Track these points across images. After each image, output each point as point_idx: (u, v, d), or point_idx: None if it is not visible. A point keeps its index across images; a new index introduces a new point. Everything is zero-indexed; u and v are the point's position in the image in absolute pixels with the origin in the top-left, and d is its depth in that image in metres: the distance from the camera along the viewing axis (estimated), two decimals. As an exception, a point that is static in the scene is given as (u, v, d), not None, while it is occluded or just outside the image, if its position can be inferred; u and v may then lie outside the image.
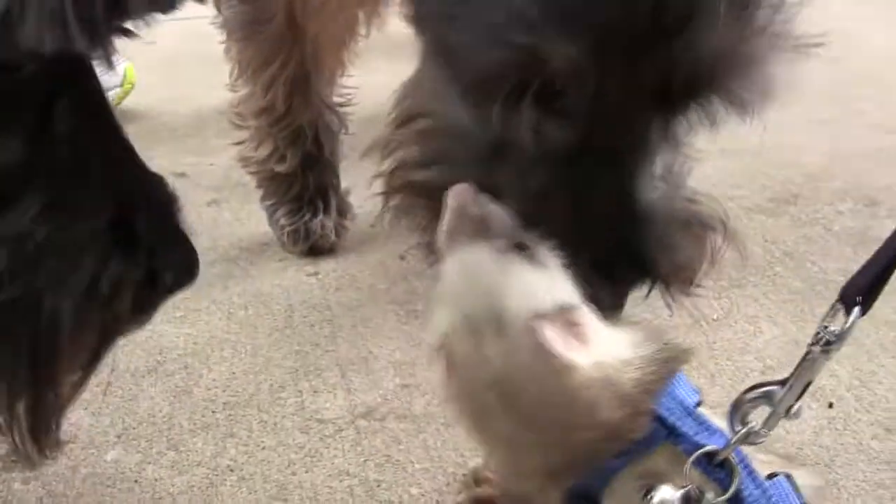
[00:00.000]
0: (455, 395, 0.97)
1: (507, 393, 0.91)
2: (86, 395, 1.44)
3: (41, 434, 0.87)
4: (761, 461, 0.94)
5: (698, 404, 0.94)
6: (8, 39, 0.66)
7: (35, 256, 0.77)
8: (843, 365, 1.50)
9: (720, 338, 1.63)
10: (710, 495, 0.89)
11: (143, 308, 0.87)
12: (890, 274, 0.94)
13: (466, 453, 1.37)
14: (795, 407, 0.92)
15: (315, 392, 1.52)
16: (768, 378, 1.44)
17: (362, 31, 1.89)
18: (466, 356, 0.92)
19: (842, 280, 1.74)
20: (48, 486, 1.33)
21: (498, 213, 0.98)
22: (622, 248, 1.05)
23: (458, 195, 0.99)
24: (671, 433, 0.91)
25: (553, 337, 0.88)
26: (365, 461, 1.36)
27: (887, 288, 1.68)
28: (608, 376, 0.91)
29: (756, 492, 0.90)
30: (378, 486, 1.32)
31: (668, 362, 0.95)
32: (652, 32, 0.95)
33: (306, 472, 1.35)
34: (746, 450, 0.93)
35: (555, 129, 1.01)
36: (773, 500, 0.90)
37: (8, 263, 0.76)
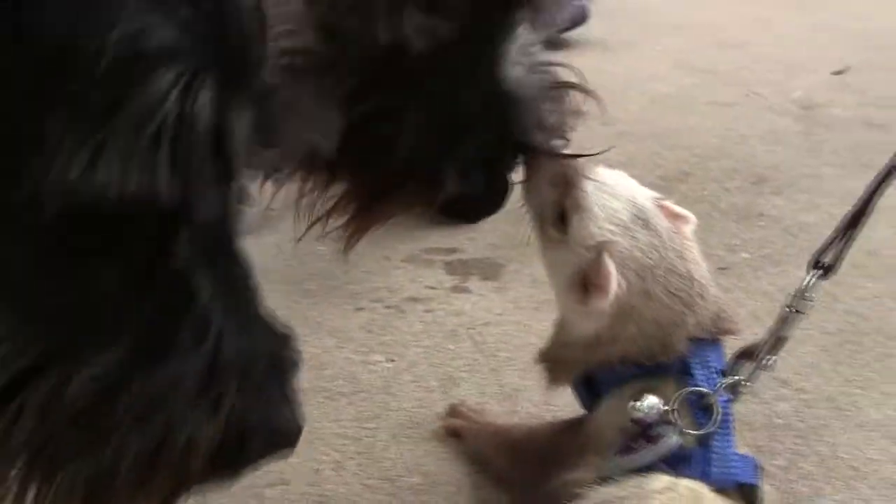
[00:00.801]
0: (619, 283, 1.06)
1: (657, 270, 1.07)
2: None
3: None
4: None
5: (720, 373, 1.06)
6: (87, 180, 0.62)
7: (114, 396, 0.73)
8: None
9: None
10: (683, 422, 1.01)
11: (224, 468, 0.81)
12: (850, 240, 1.07)
13: (346, 424, 1.42)
14: (770, 360, 1.06)
15: (202, 368, 1.55)
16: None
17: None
18: (628, 250, 1.07)
19: (723, 254, 1.83)
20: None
21: None
22: (504, 139, 1.10)
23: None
24: (685, 371, 1.05)
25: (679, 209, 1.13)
26: (247, 433, 1.40)
27: (764, 262, 1.78)
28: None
29: (725, 450, 1.01)
30: (257, 456, 1.36)
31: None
32: None
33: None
34: None
35: (439, 27, 1.02)
36: (733, 464, 1.00)
37: (87, 399, 0.72)
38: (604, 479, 1.01)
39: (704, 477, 0.98)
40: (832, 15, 3.64)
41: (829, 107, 2.72)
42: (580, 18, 3.04)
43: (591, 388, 1.13)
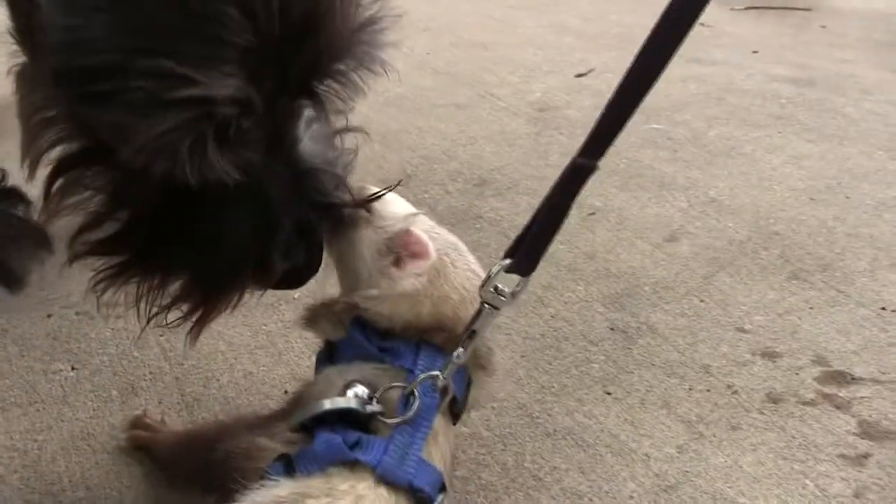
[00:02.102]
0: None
1: (458, 247, 1.23)
2: None
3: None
4: None
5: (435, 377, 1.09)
6: None
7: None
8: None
9: (297, 316, 1.68)
10: (376, 408, 1.07)
11: None
12: (547, 241, 1.10)
13: (16, 435, 1.40)
14: (459, 352, 1.09)
15: None
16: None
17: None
18: (430, 226, 1.22)
19: (434, 256, 1.85)
20: None
21: None
22: (312, 207, 1.16)
23: None
24: (411, 369, 1.11)
25: None
26: None
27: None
28: None
29: (407, 446, 1.04)
30: None
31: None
32: (285, 45, 1.03)
33: None
34: None
35: (240, 155, 1.06)
36: (410, 464, 1.02)
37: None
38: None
39: (378, 465, 1.00)
40: (573, 17, 3.74)
41: (565, 108, 2.79)
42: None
43: (330, 356, 1.19)
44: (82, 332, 1.65)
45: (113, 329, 1.65)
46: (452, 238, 1.22)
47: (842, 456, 1.42)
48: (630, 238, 2.04)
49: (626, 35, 3.48)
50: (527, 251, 1.09)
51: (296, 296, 1.74)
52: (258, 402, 1.46)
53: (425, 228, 1.20)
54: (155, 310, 1.20)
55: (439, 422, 1.10)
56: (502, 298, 1.08)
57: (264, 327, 1.66)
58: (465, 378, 1.16)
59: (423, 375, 1.08)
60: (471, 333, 1.10)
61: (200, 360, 1.56)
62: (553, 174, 2.03)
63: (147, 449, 1.36)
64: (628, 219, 2.12)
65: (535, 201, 2.06)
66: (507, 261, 1.09)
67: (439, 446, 1.09)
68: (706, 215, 2.15)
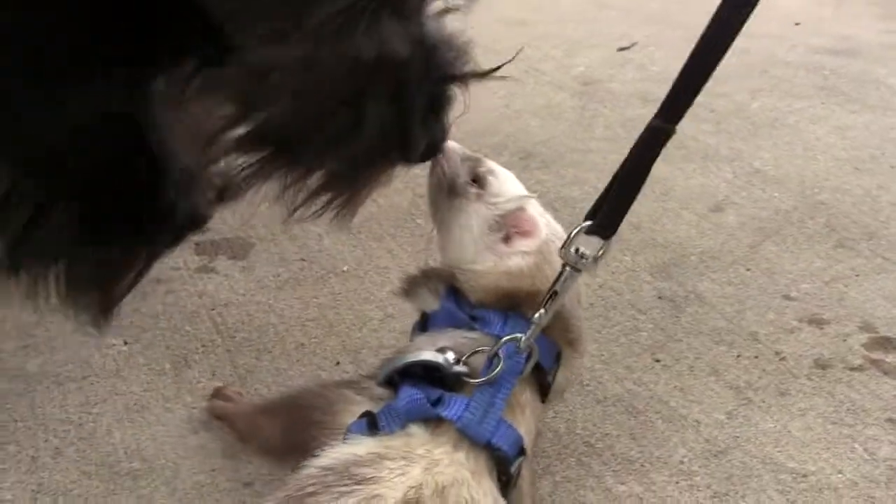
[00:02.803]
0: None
1: (557, 234, 1.23)
2: None
3: None
4: None
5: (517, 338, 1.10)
6: None
7: None
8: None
9: (346, 288, 1.70)
10: (461, 369, 1.08)
11: None
12: (627, 203, 1.08)
13: (71, 409, 1.40)
14: (541, 313, 1.09)
15: (-72, 357, 1.53)
16: (385, 325, 1.53)
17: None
18: (540, 211, 1.25)
19: (480, 231, 1.84)
20: None
21: None
22: (440, 79, 1.17)
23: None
24: (499, 335, 1.11)
25: None
26: (-34, 422, 1.38)
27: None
28: None
29: (487, 404, 1.05)
30: (-27, 445, 1.34)
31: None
32: None
33: None
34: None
35: (408, 30, 1.07)
36: (489, 422, 1.03)
37: None
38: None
39: (458, 420, 1.01)
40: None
41: (608, 82, 2.78)
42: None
43: (423, 326, 1.21)
44: (133, 306, 1.65)
45: (163, 304, 1.66)
46: (558, 227, 1.23)
47: (890, 420, 1.42)
48: (675, 209, 2.03)
49: (667, 10, 3.47)
50: (607, 213, 1.08)
51: (345, 268, 1.75)
52: (310, 373, 1.46)
53: (538, 211, 1.23)
54: (301, 199, 1.19)
55: (528, 396, 1.11)
56: (584, 261, 1.08)
57: (315, 300, 1.67)
58: (553, 349, 1.16)
59: (506, 337, 1.09)
60: (552, 294, 1.10)
61: (252, 333, 1.57)
62: (599, 146, 2.04)
63: (225, 419, 1.37)
64: (673, 189, 2.11)
65: (582, 173, 2.11)
66: (588, 223, 1.09)
67: (526, 419, 1.10)
68: (751, 185, 2.14)
